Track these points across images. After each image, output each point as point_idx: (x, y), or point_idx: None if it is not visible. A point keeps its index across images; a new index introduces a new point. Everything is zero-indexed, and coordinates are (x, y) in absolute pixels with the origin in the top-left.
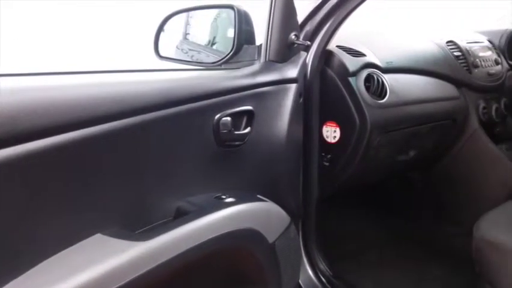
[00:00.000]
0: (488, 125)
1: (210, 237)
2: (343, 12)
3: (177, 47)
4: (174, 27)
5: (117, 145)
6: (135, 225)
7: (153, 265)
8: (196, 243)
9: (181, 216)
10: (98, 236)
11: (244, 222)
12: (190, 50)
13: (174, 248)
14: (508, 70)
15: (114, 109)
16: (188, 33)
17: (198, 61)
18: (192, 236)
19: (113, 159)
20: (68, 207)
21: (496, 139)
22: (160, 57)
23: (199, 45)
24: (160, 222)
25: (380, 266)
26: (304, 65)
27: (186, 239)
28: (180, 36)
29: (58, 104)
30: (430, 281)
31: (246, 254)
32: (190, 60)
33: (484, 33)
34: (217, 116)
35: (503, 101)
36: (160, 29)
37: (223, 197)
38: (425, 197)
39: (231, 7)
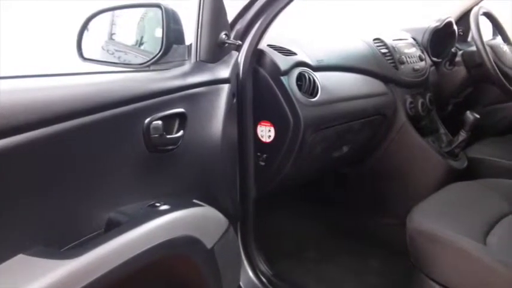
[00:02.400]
0: (415, 119)
1: (145, 248)
2: (272, 11)
3: (102, 48)
4: (99, 26)
5: (36, 156)
6: (61, 241)
7: (85, 283)
8: (131, 256)
9: (113, 228)
10: (20, 257)
11: (181, 229)
12: (116, 50)
13: (107, 263)
14: (431, 66)
15: (32, 118)
16: (114, 33)
17: (126, 62)
18: (126, 248)
19: (32, 172)
20: None
21: (423, 132)
22: (84, 59)
23: (126, 45)
24: (90, 236)
25: (320, 261)
26: (236, 64)
27: (119, 252)
28: (106, 37)
29: None
30: (368, 273)
31: (185, 262)
32: (117, 61)
33: (408, 30)
34: (147, 120)
35: (428, 95)
36: (83, 28)
37: (158, 204)
38: (360, 191)
39: (158, 6)
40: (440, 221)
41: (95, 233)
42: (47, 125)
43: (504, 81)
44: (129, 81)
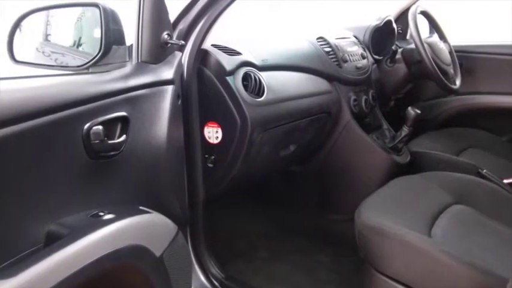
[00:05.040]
0: (359, 116)
1: (89, 261)
2: (215, 10)
3: (37, 50)
4: (32, 27)
5: None
6: None
7: None
8: (74, 271)
9: (54, 242)
10: None
11: (127, 239)
12: (53, 52)
13: (48, 280)
14: (373, 63)
15: None
16: (49, 34)
17: (63, 65)
18: (68, 263)
19: None
20: None
21: (367, 129)
22: (16, 61)
23: (63, 47)
24: (28, 251)
25: (271, 260)
26: (180, 65)
27: (61, 267)
28: (40, 38)
29: None
30: (319, 270)
31: (133, 272)
32: (53, 64)
33: (350, 29)
34: (86, 126)
35: (370, 92)
36: (15, 29)
37: (101, 214)
38: (308, 189)
39: (95, 5)
40: (387, 215)
41: (33, 249)
42: None
43: (442, 77)
44: (66, 85)
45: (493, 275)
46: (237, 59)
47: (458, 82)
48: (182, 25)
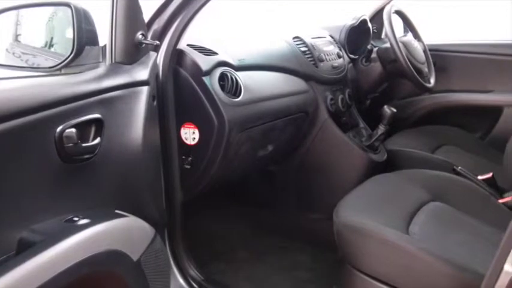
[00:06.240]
0: (336, 115)
1: (63, 268)
2: (190, 10)
3: (7, 51)
4: (1, 27)
5: None
6: None
7: None
8: (48, 279)
9: (26, 249)
10: None
11: (103, 244)
12: (23, 53)
13: None
14: (349, 62)
15: None
16: (20, 35)
17: (34, 66)
18: (41, 270)
19: None
20: None
21: (344, 128)
22: None
23: (34, 47)
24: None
25: (250, 261)
26: (155, 65)
27: (34, 275)
28: (10, 38)
29: None
30: (298, 269)
31: (110, 278)
32: (24, 65)
33: (325, 28)
34: (59, 129)
35: (347, 91)
36: None
37: (76, 219)
38: (286, 188)
39: (67, 5)
40: (365, 213)
41: (4, 257)
42: None
43: (417, 75)
44: (38, 87)
45: (470, 271)
46: (213, 59)
47: (432, 80)
48: (157, 25)
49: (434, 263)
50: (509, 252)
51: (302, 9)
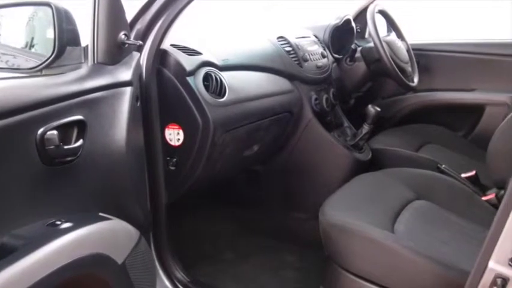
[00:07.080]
0: (320, 115)
1: (47, 273)
2: (174, 9)
3: None
4: None
5: None
6: None
7: None
8: (31, 284)
9: (7, 255)
10: None
11: (87, 247)
12: (3, 54)
13: None
14: (333, 62)
15: None
16: None
17: (14, 67)
18: (24, 276)
19: None
20: None
21: (329, 127)
22: None
23: (14, 48)
24: None
25: (237, 261)
26: (138, 66)
27: (16, 281)
28: None
29: None
30: (284, 269)
31: (95, 281)
32: (4, 66)
33: (309, 28)
34: (40, 131)
35: (331, 91)
36: None
37: (59, 222)
38: (272, 188)
39: (47, 4)
40: (351, 212)
41: None
42: None
43: (400, 75)
44: (18, 88)
45: (455, 268)
46: (197, 59)
47: (416, 79)
48: (140, 25)
49: (419, 261)
50: (493, 249)
51: (299, 8)
